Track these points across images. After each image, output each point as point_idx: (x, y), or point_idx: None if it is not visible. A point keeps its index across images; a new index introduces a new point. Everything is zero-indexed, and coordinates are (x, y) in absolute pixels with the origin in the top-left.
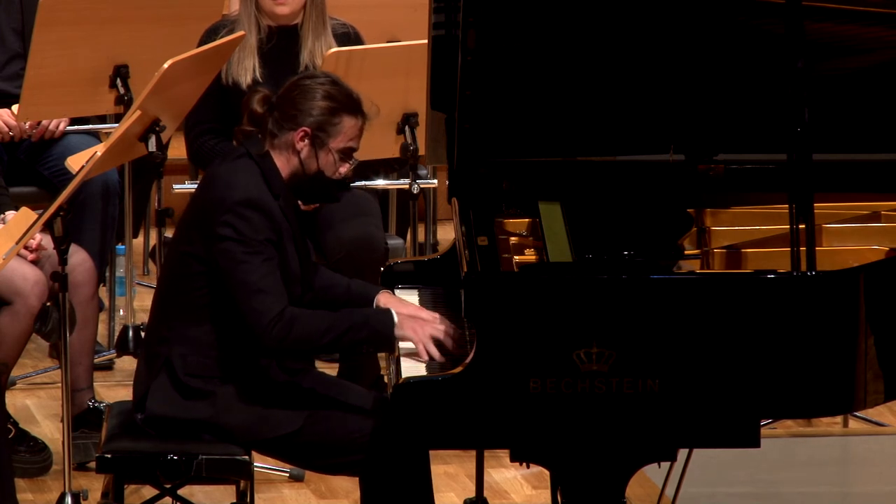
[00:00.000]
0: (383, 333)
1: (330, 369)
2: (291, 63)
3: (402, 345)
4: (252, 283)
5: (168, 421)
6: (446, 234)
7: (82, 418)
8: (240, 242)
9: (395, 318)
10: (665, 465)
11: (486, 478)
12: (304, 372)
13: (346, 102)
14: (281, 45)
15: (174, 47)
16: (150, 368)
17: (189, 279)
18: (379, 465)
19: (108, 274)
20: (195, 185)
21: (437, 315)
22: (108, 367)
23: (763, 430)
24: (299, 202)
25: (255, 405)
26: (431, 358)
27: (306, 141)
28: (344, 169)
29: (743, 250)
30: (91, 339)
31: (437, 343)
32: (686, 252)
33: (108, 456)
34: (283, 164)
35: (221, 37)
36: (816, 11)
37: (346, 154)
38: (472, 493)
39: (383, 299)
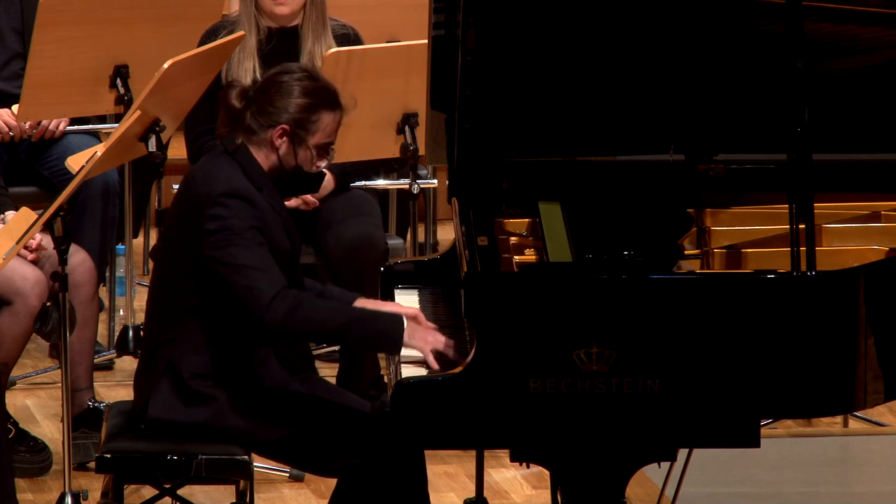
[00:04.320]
0: (391, 334)
1: (330, 369)
2: None
3: (404, 351)
4: (248, 264)
5: (170, 425)
6: (446, 234)
7: (82, 418)
8: (229, 231)
9: (405, 324)
10: (665, 465)
11: (486, 478)
12: (304, 375)
13: (323, 98)
14: (281, 46)
15: (174, 47)
16: (151, 372)
17: (181, 281)
18: (377, 464)
19: (108, 274)
20: None
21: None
22: (108, 367)
23: (763, 430)
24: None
25: (255, 408)
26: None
27: (284, 138)
28: (322, 163)
29: (743, 250)
30: (91, 339)
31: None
32: (686, 252)
33: (108, 456)
34: (262, 159)
35: (221, 37)
36: (816, 11)
37: (324, 149)
38: (472, 493)
39: (360, 303)
